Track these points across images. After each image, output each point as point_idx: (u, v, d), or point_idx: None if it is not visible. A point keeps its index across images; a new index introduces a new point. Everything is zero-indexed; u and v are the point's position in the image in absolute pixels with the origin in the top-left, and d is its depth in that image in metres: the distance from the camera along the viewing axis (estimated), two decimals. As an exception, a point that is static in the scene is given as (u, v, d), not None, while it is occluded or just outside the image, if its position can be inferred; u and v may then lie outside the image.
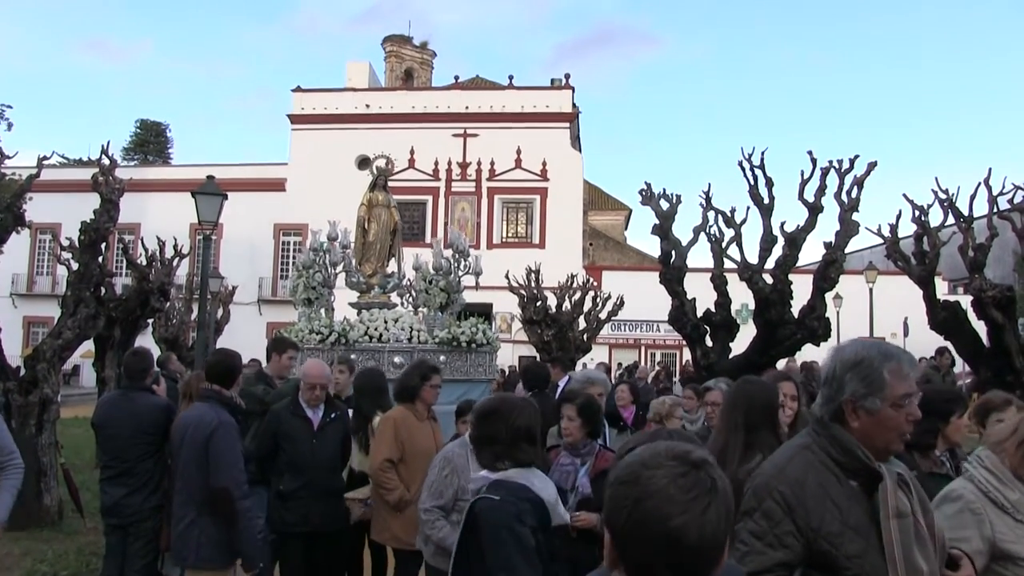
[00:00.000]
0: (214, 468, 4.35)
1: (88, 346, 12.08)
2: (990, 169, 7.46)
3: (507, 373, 19.20)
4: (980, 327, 6.94)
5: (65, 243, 10.29)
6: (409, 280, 11.57)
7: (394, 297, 10.84)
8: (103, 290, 10.22)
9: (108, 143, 9.68)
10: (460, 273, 9.46)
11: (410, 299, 12.09)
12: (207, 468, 4.35)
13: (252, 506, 4.52)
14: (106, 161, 9.48)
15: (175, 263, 14.83)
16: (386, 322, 9.21)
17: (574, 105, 37.88)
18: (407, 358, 8.44)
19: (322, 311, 9.59)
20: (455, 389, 8.44)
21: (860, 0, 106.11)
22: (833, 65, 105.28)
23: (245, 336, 27.78)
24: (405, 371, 5.67)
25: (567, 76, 38.48)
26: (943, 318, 7.24)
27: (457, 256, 9.52)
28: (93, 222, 9.03)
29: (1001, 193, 7.38)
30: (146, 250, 14.38)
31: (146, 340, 15.01)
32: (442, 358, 8.77)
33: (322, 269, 9.69)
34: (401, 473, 5.01)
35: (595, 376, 5.79)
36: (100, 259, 9.43)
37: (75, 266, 9.19)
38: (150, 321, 15.58)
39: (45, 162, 9.56)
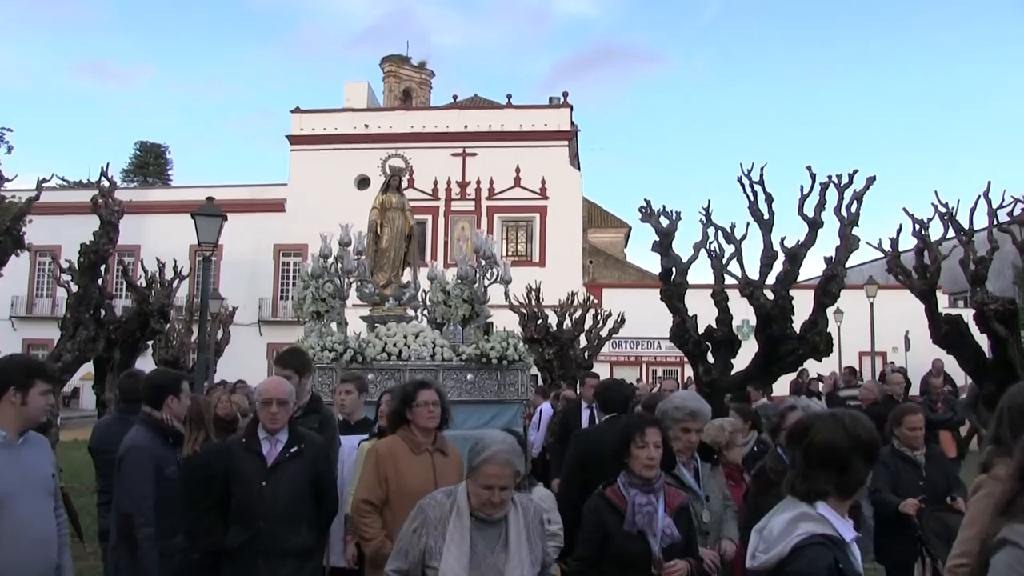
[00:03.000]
0: (117, 493, 4.28)
1: (88, 368, 12.05)
2: (989, 182, 7.49)
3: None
4: (982, 340, 6.94)
5: (65, 265, 10.29)
6: (424, 291, 10.66)
7: (408, 310, 9.90)
8: (103, 312, 10.22)
9: (107, 165, 9.73)
10: (487, 282, 8.57)
11: (424, 312, 11.11)
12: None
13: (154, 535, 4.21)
14: (105, 183, 9.50)
15: (175, 284, 14.83)
16: (406, 337, 8.27)
17: (572, 123, 38.05)
18: (431, 377, 7.47)
19: (333, 325, 8.62)
20: (485, 411, 7.89)
21: (859, 15, 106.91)
22: (831, 80, 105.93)
23: (245, 357, 27.84)
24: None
25: (565, 94, 38.68)
26: (945, 332, 7.22)
27: (484, 263, 8.62)
28: (92, 244, 9.05)
29: (1001, 206, 7.38)
30: (146, 272, 14.38)
31: (146, 362, 14.97)
32: (469, 376, 8.05)
33: (333, 278, 8.70)
34: (386, 518, 4.16)
35: (696, 407, 4.43)
36: (100, 281, 9.45)
37: (75, 288, 9.20)
38: (150, 343, 15.55)
39: (44, 184, 9.59)
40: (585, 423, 7.94)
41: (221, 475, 4.13)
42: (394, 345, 8.04)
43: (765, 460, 4.36)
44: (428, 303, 10.32)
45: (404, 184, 9.93)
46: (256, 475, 4.07)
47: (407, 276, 9.65)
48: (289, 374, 5.08)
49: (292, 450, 4.15)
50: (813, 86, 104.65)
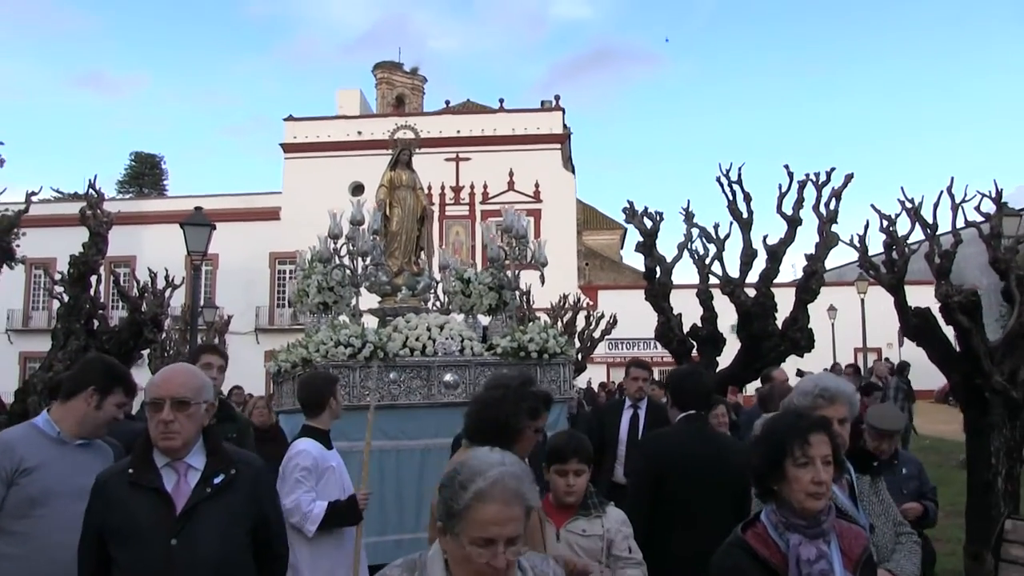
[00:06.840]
0: None
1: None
2: (952, 177, 7.61)
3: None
4: (951, 333, 7.09)
5: (58, 277, 10.42)
6: (436, 280, 9.45)
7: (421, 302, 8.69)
8: (95, 323, 10.33)
9: (95, 176, 9.84)
10: (518, 266, 7.44)
11: (437, 304, 9.74)
12: None
13: None
14: (93, 194, 9.63)
15: (168, 293, 14.92)
16: (429, 329, 7.01)
17: (565, 126, 38.25)
18: (461, 375, 6.78)
19: (344, 317, 7.33)
20: None
21: (836, 23, 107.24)
22: (815, 79, 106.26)
23: (242, 366, 27.77)
24: (491, 395, 3.17)
25: (557, 98, 38.92)
26: (915, 324, 7.36)
27: (516, 244, 7.55)
28: (82, 255, 9.18)
29: (964, 200, 7.51)
30: (137, 281, 14.49)
31: (142, 371, 15.08)
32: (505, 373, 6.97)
33: (343, 262, 7.40)
34: None
35: (835, 388, 2.97)
36: (91, 292, 9.57)
37: (66, 299, 9.33)
38: (145, 352, 15.66)
39: (34, 197, 9.73)
40: (624, 428, 6.46)
41: (93, 533, 2.62)
42: (417, 339, 6.89)
43: None
44: (442, 294, 9.11)
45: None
46: (157, 527, 2.51)
47: (421, 262, 8.51)
48: (209, 360, 3.87)
49: (216, 481, 2.60)
50: (798, 85, 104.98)
